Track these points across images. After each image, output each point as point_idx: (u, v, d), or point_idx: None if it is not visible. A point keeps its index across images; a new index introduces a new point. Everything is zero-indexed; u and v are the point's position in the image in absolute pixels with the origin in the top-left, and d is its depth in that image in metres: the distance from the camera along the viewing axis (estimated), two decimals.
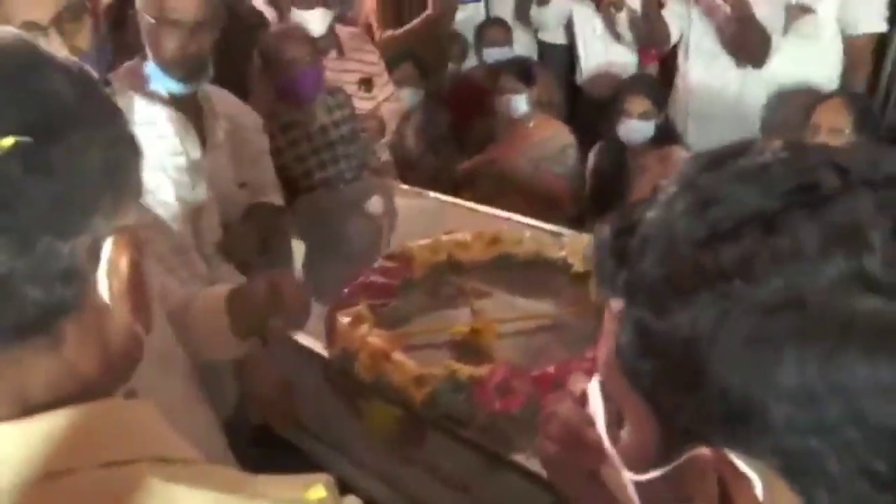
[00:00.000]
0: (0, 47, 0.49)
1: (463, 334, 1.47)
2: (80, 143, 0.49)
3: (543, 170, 2.75)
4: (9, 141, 0.45)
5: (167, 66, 1.63)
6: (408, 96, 3.00)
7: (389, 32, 3.21)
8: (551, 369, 1.29)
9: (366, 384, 1.38)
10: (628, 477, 0.50)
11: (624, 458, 0.50)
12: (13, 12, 1.18)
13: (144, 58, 1.70)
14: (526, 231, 1.80)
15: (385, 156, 2.76)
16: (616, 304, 0.47)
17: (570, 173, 2.78)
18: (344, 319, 1.47)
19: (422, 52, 3.16)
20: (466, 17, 3.59)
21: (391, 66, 2.87)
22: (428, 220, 2.12)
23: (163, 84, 1.65)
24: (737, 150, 0.45)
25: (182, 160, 1.54)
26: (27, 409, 0.50)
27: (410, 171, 2.93)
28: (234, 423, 1.38)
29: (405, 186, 2.40)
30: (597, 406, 0.54)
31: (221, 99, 1.87)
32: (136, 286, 0.56)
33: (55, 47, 1.19)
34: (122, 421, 0.55)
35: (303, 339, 1.57)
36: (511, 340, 1.50)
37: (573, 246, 1.68)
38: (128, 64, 1.77)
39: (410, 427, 1.39)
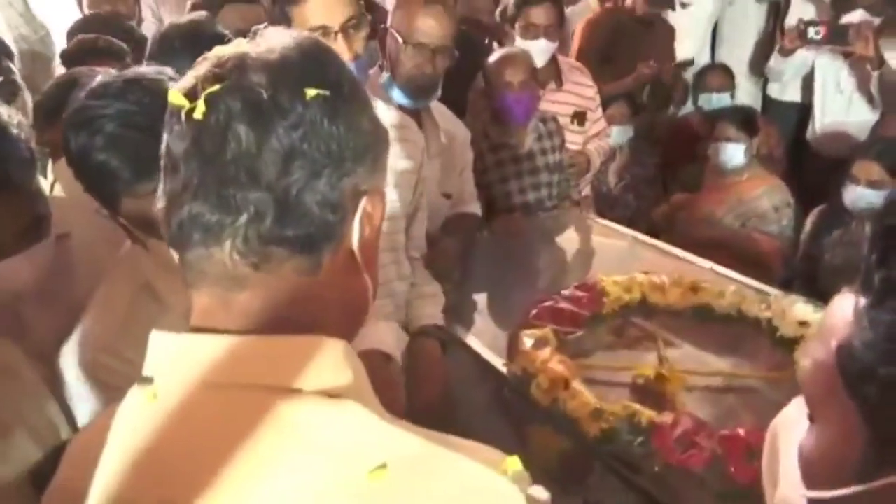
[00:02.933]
0: (306, 38, 0.64)
1: (647, 378, 1.42)
2: (358, 108, 0.63)
3: (752, 227, 2.59)
4: (313, 91, 0.59)
5: (403, 82, 1.77)
6: (616, 134, 2.97)
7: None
8: (742, 432, 1.20)
9: (539, 408, 1.37)
10: (801, 494, 0.47)
11: (804, 473, 0.46)
12: (309, 17, 1.36)
13: (382, 68, 1.85)
14: (730, 285, 1.70)
15: (586, 190, 2.76)
16: (861, 302, 0.45)
17: (782, 235, 2.59)
18: (528, 339, 1.47)
19: (638, 92, 3.12)
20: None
21: (605, 102, 2.86)
22: (623, 257, 2.08)
23: (394, 97, 1.78)
24: None
25: (409, 164, 1.61)
26: (276, 327, 0.59)
27: (607, 208, 2.89)
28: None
29: (603, 221, 2.37)
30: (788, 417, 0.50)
31: (439, 112, 1.98)
32: (374, 248, 0.66)
33: (339, 48, 1.34)
34: (352, 362, 0.62)
35: (482, 350, 1.60)
36: (697, 395, 1.42)
37: (780, 307, 1.56)
38: (370, 70, 1.94)
39: (576, 460, 1.36)
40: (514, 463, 0.57)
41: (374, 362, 1.24)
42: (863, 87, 2.93)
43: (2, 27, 2.43)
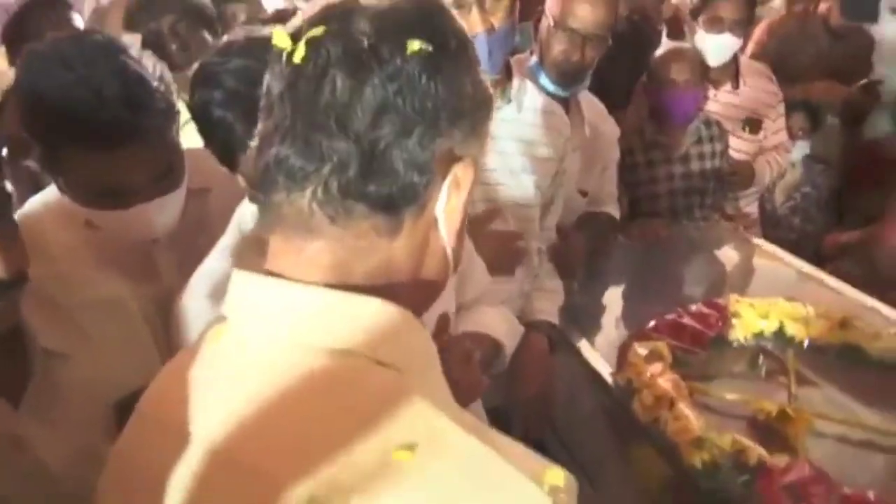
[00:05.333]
0: None
1: (768, 414, 1.27)
2: (462, 68, 0.60)
3: None
4: (416, 45, 0.56)
5: (549, 67, 1.73)
6: (792, 149, 2.70)
7: None
8: (872, 495, 1.05)
9: (640, 425, 1.27)
10: None
11: None
12: None
13: (532, 52, 1.81)
14: (891, 327, 1.50)
15: (751, 207, 2.55)
16: None
17: None
18: (640, 350, 1.38)
19: (824, 105, 2.83)
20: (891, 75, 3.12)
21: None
22: (773, 284, 1.88)
23: (540, 81, 1.73)
24: None
25: (550, 152, 1.57)
26: (343, 283, 0.58)
27: (770, 227, 2.66)
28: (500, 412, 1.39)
29: (759, 241, 2.17)
30: None
31: (588, 104, 1.89)
32: (462, 218, 0.62)
33: (473, 19, 1.33)
34: (413, 334, 0.61)
35: (591, 355, 1.52)
36: (827, 444, 1.26)
37: None
38: (520, 56, 1.90)
39: (678, 490, 1.25)
40: (556, 476, 0.53)
41: (481, 347, 1.20)
42: None
43: None
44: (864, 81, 2.93)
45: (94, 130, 0.97)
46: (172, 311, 1.09)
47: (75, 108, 0.96)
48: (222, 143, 1.02)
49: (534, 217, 1.58)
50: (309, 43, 0.56)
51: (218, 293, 1.01)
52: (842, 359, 1.46)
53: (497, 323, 1.26)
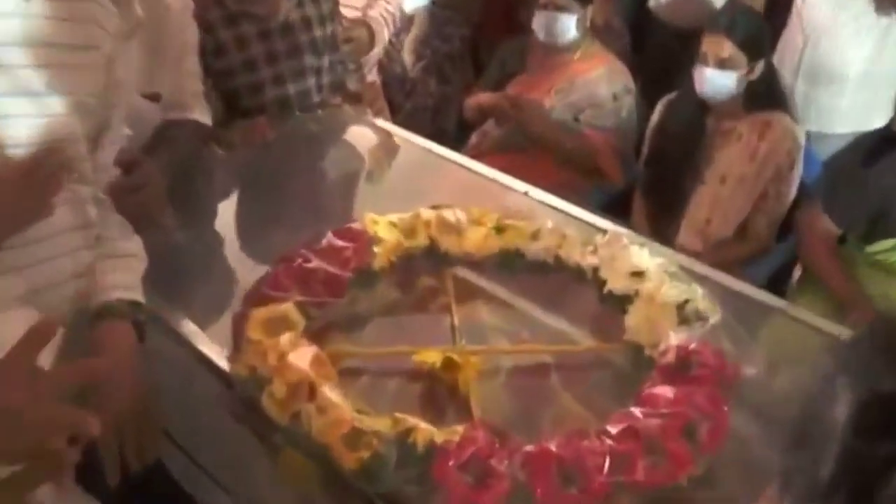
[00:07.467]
0: None
1: (432, 366, 1.29)
2: None
3: (585, 121, 2.57)
4: None
5: None
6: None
7: None
8: (553, 445, 1.11)
9: (276, 426, 1.20)
10: None
11: None
12: None
13: None
14: (548, 218, 1.62)
15: (371, 76, 2.63)
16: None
17: (621, 130, 2.60)
18: (260, 320, 1.30)
19: None
20: None
21: None
22: (414, 178, 1.98)
23: None
24: None
25: (85, 55, 1.34)
26: None
27: (403, 96, 2.79)
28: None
29: (389, 126, 2.25)
30: None
31: None
32: None
33: None
34: None
35: (200, 338, 1.42)
36: (500, 383, 1.34)
37: (610, 250, 1.50)
38: None
39: (336, 489, 1.20)
40: None
41: None
42: None
43: None
44: None
45: None
46: None
47: None
48: None
49: (81, 154, 1.35)
50: None
51: None
52: (502, 270, 1.55)
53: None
